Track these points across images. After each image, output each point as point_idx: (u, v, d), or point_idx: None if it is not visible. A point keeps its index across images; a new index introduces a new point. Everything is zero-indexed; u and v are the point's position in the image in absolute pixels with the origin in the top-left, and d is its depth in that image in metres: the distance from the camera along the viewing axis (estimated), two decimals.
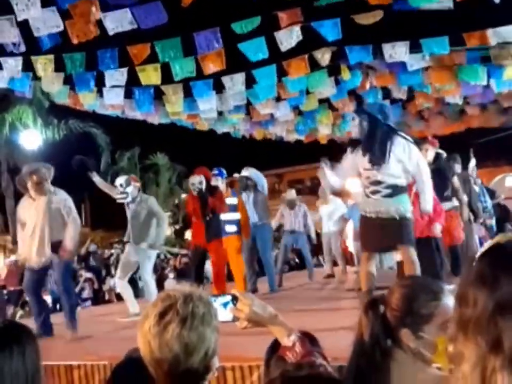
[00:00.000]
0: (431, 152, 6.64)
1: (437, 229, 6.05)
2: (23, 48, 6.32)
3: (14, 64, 6.92)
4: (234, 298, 1.79)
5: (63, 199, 6.03)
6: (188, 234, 18.15)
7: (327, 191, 10.49)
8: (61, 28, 6.10)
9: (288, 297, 7.81)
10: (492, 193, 9.68)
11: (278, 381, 1.69)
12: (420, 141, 6.26)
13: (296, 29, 6.85)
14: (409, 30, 7.44)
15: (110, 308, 9.97)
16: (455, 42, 7.46)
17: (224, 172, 8.04)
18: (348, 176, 5.51)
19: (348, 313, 4.78)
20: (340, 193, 9.93)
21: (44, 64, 7.11)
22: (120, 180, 7.31)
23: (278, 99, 9.37)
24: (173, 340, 1.56)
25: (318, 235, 11.29)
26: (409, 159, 4.89)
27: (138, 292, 9.30)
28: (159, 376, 1.61)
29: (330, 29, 6.88)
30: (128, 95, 8.32)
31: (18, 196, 6.80)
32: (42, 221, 5.87)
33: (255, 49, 6.98)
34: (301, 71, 7.84)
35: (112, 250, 16.05)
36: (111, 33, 6.25)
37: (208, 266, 8.71)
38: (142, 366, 1.63)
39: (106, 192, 7.52)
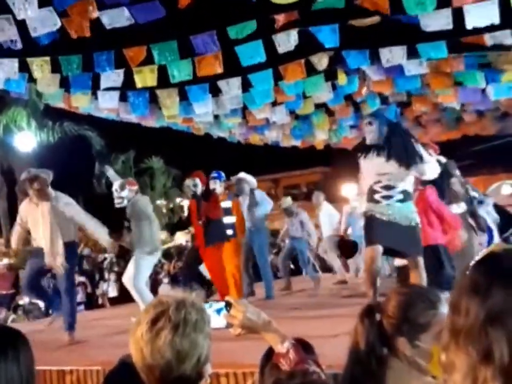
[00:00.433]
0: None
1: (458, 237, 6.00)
2: (19, 45, 6.32)
3: (10, 65, 6.89)
4: (228, 305, 1.78)
5: (65, 202, 6.19)
6: (178, 236, 18.14)
7: (320, 198, 10.52)
8: (58, 25, 6.10)
9: (283, 304, 7.78)
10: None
11: None
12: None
13: (294, 33, 6.85)
14: (407, 35, 7.42)
15: (103, 313, 9.94)
16: (452, 48, 7.47)
17: (223, 174, 8.05)
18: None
19: (343, 320, 4.75)
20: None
21: (40, 66, 7.09)
22: (116, 185, 7.30)
23: (274, 103, 9.36)
24: (165, 346, 1.55)
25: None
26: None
27: None
28: (151, 383, 1.61)
29: (328, 35, 6.88)
30: (123, 98, 8.29)
31: (11, 198, 6.86)
32: (50, 225, 5.98)
33: (252, 52, 6.97)
34: (298, 75, 7.83)
35: (106, 255, 15.98)
36: (108, 27, 6.25)
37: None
38: (135, 372, 1.63)
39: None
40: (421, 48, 7.36)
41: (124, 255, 12.66)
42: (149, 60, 7.19)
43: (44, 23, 5.97)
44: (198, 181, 7.44)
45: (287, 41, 6.86)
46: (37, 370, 1.91)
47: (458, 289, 1.05)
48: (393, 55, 7.42)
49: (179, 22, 7.44)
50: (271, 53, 7.06)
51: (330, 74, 8.65)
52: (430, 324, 1.78)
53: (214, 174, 7.91)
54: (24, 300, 11.86)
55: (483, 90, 8.82)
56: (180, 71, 7.30)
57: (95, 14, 6.15)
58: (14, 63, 6.94)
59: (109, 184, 7.53)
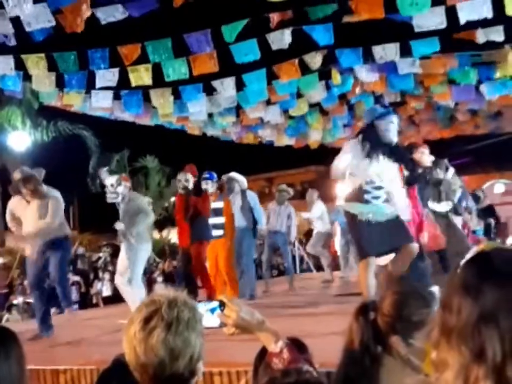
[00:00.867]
0: (427, 157, 6.24)
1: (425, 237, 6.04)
2: (13, 42, 6.31)
3: (6, 62, 6.86)
4: (222, 304, 1.77)
5: (55, 197, 6.36)
6: (172, 235, 18.11)
7: (314, 195, 10.55)
8: (53, 23, 6.09)
9: (276, 303, 7.78)
10: (477, 199, 9.71)
11: None
12: (414, 146, 6.27)
13: (287, 32, 6.85)
14: (400, 31, 7.42)
15: (97, 312, 9.91)
16: (446, 47, 7.49)
17: (215, 175, 8.03)
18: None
19: (336, 318, 4.77)
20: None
21: (35, 63, 7.06)
22: (111, 180, 7.25)
23: (268, 102, 9.35)
24: (158, 344, 1.55)
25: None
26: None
27: None
28: (144, 381, 1.61)
29: (322, 34, 6.88)
30: (118, 96, 8.27)
31: (5, 197, 6.96)
32: (38, 221, 6.16)
33: (246, 51, 6.96)
34: (292, 74, 7.83)
35: (100, 254, 15.97)
36: (103, 22, 6.24)
37: None
38: (129, 370, 1.63)
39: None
40: (414, 45, 7.37)
41: (118, 254, 12.61)
42: (143, 58, 7.18)
43: (38, 19, 5.97)
44: (190, 176, 7.48)
45: (281, 39, 6.86)
46: (30, 369, 1.90)
47: (450, 288, 1.04)
48: (387, 52, 7.43)
49: (173, 20, 7.44)
50: (266, 51, 7.05)
51: (324, 74, 8.65)
52: (424, 322, 1.78)
53: (205, 175, 7.89)
54: (18, 300, 11.83)
55: (477, 89, 8.85)
56: (175, 70, 7.28)
57: (89, 12, 6.14)
58: (9, 60, 6.92)
59: (103, 185, 7.48)
